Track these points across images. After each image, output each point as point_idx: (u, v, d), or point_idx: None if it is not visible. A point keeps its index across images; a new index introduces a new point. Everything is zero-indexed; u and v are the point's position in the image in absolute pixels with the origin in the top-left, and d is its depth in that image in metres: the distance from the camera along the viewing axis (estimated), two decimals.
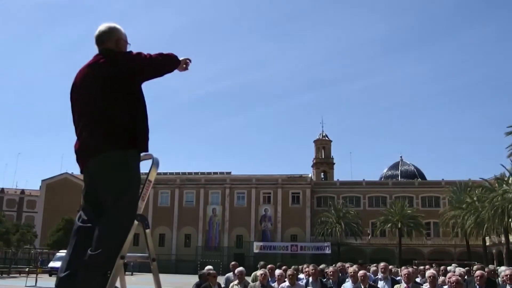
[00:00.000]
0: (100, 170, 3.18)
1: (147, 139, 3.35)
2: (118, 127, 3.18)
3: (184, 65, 3.52)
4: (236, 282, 10.78)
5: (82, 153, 3.30)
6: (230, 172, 79.39)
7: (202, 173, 79.94)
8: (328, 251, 64.66)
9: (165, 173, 79.64)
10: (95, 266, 3.01)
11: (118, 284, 3.16)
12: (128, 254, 3.14)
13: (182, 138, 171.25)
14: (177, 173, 79.90)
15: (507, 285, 9.22)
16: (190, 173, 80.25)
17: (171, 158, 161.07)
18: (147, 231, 3.19)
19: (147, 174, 3.27)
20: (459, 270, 11.53)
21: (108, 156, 3.16)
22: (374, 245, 68.43)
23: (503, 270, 10.09)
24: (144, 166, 3.34)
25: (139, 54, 3.30)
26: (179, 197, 76.87)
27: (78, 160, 3.34)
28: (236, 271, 11.14)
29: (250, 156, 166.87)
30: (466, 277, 10.39)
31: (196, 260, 64.15)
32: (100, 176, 3.19)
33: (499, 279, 10.10)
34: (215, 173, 79.91)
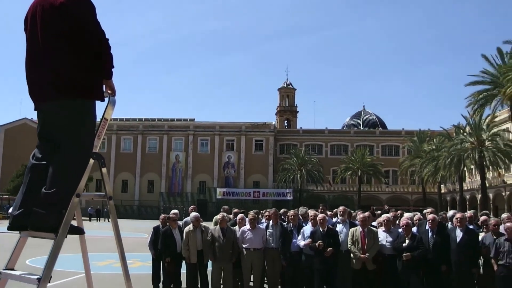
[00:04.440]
0: (56, 112, 3.11)
1: (102, 85, 3.26)
2: (73, 73, 3.08)
3: (110, 90, 3.35)
4: (191, 227, 10.86)
5: (36, 92, 3.21)
6: (194, 119, 78.98)
7: (166, 120, 79.21)
8: (289, 197, 65.89)
9: (128, 119, 78.69)
10: (50, 204, 2.97)
11: (74, 222, 3.15)
12: (84, 193, 3.13)
13: (145, 84, 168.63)
14: (140, 119, 79.06)
15: (457, 228, 9.66)
16: (153, 120, 79.47)
17: (134, 104, 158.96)
18: (103, 170, 3.17)
19: (103, 112, 3.22)
20: (412, 214, 11.93)
21: (65, 101, 3.08)
22: (335, 192, 70.04)
23: (454, 214, 10.54)
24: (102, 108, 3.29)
25: (94, 18, 3.15)
26: (142, 144, 76.30)
27: (31, 96, 3.25)
28: (190, 216, 11.23)
29: (214, 103, 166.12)
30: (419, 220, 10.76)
31: (159, 206, 64.54)
32: (55, 117, 3.12)
33: (449, 223, 10.52)
34: (179, 119, 79.29)
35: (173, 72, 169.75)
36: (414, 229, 10.05)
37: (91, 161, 3.08)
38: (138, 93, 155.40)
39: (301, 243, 10.23)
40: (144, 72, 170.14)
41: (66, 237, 2.99)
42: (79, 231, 3.28)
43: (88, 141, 3.13)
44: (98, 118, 3.28)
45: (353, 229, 10.17)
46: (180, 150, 75.94)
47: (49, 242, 3.02)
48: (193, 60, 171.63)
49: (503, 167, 47.18)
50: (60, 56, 3.08)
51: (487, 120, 46.02)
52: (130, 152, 76.18)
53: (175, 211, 11.41)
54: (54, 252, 2.91)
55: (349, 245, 9.98)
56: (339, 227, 10.47)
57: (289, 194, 67.21)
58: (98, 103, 3.23)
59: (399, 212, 11.63)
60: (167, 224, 11.27)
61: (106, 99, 3.25)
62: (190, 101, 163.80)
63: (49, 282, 2.87)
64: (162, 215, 11.77)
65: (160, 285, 11.27)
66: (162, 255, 11.01)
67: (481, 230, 10.21)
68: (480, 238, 9.71)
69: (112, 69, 3.22)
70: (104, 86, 3.25)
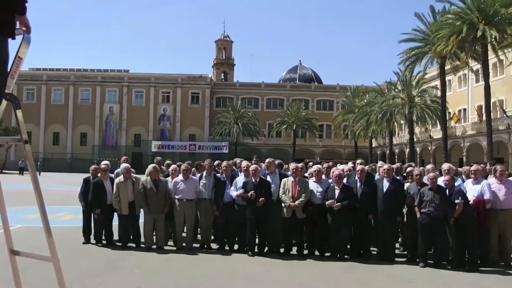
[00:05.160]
0: None
1: (14, 22, 3.02)
2: None
3: (24, 27, 3.06)
4: (121, 178, 10.72)
5: None
6: (128, 70, 76.78)
7: (99, 70, 76.53)
8: (225, 150, 66.18)
9: (58, 69, 75.56)
10: None
11: None
12: None
13: (77, 33, 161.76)
14: (72, 70, 75.99)
15: (384, 178, 10.02)
16: (85, 70, 76.52)
17: (65, 54, 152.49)
18: (18, 112, 2.99)
19: (17, 50, 3.01)
20: (343, 166, 12.26)
21: None
22: (270, 145, 70.91)
23: (381, 165, 10.92)
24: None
25: None
26: (74, 95, 73.57)
27: None
28: (121, 167, 11.07)
29: (150, 54, 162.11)
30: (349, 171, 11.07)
31: (93, 159, 63.01)
32: None
33: (377, 174, 10.90)
34: (113, 70, 76.85)
35: (107, 22, 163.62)
36: (345, 180, 10.35)
37: (4, 102, 2.90)
38: (69, 43, 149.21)
39: (234, 193, 10.32)
40: (76, 21, 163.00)
41: None
42: None
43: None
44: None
45: (285, 179, 10.35)
46: (114, 102, 73.91)
47: None
48: (127, 10, 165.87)
49: (430, 122, 49.15)
50: None
51: (417, 77, 47.44)
52: (61, 103, 73.37)
53: (106, 161, 11.20)
54: None
55: (280, 194, 10.17)
56: (269, 178, 10.61)
57: (225, 147, 67.49)
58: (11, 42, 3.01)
59: (331, 163, 11.89)
60: (98, 175, 11.06)
61: (20, 36, 3.03)
62: (124, 52, 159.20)
63: None
64: (93, 166, 11.53)
65: (91, 237, 11.15)
66: (92, 207, 10.85)
67: (407, 181, 10.62)
68: (405, 188, 10.14)
69: (26, 4, 2.99)
70: (18, 23, 3.02)
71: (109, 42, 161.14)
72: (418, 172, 10.02)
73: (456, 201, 9.09)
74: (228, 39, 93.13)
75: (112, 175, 11.36)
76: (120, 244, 10.83)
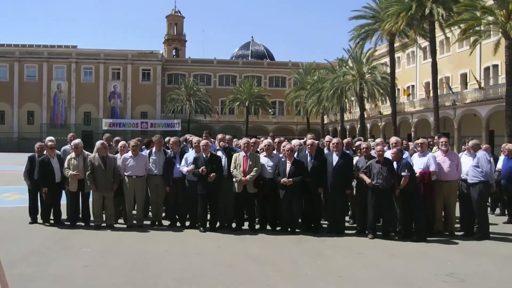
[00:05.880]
0: None
1: None
2: None
3: None
4: (73, 154, 10.48)
5: None
6: (76, 46, 74.51)
7: (45, 46, 73.89)
8: (178, 128, 65.56)
9: (2, 45, 72.55)
10: None
11: None
12: None
13: (21, 6, 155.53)
14: (16, 45, 73.14)
15: (334, 152, 10.14)
16: (31, 46, 73.73)
17: (9, 29, 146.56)
18: None
19: None
20: (295, 141, 12.32)
21: None
22: (223, 122, 70.70)
23: (328, 139, 11.09)
24: None
25: None
26: (19, 71, 70.97)
27: None
28: (72, 143, 10.81)
29: (98, 29, 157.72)
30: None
31: (41, 138, 61.13)
32: None
33: (325, 148, 11.03)
34: (60, 46, 74.39)
35: None
36: (296, 155, 10.40)
37: None
38: (13, 17, 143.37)
39: (184, 169, 10.24)
40: None
41: None
42: None
43: None
44: None
45: (236, 154, 10.33)
46: (62, 79, 71.76)
47: None
48: None
49: (380, 99, 50.08)
50: None
51: (368, 54, 48.05)
52: (6, 80, 70.68)
53: (51, 138, 10.84)
54: None
55: (231, 169, 10.16)
56: (219, 153, 10.57)
57: (177, 125, 66.85)
58: None
59: (282, 137, 11.93)
60: (44, 153, 10.73)
61: None
62: (72, 27, 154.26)
63: None
64: (38, 144, 11.15)
65: (39, 216, 10.87)
66: (39, 186, 10.54)
67: (356, 155, 10.80)
68: (354, 162, 10.30)
69: None
70: None
71: (56, 16, 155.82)
72: (365, 146, 10.20)
73: (402, 173, 9.32)
74: (179, 14, 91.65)
75: (59, 152, 11.05)
76: (68, 223, 10.61)
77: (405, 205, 9.51)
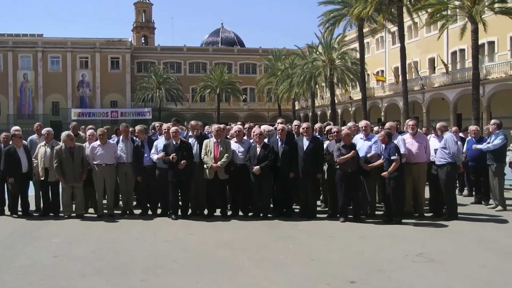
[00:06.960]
0: None
1: None
2: None
3: None
4: (43, 142, 10.31)
5: None
6: (42, 34, 72.77)
7: (10, 35, 71.90)
8: (149, 116, 64.82)
9: None
10: None
11: None
12: None
13: None
14: None
15: (304, 137, 10.17)
16: None
17: None
18: None
19: None
20: (266, 127, 12.31)
21: None
22: (194, 110, 70.19)
23: (297, 124, 11.14)
24: None
25: None
26: None
27: None
28: (43, 131, 10.62)
29: (65, 17, 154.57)
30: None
31: (8, 129, 59.65)
32: None
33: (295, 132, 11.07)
34: (25, 35, 72.51)
35: None
36: (266, 140, 10.40)
37: None
38: None
39: (154, 156, 10.13)
40: None
41: None
42: None
43: None
44: None
45: (206, 140, 10.26)
46: (28, 69, 70.11)
47: None
48: None
49: (350, 84, 50.41)
50: None
51: (337, 40, 48.19)
52: None
53: (17, 127, 10.62)
54: None
55: (202, 155, 10.09)
56: (191, 141, 10.49)
57: (148, 113, 66.08)
58: None
59: (252, 123, 11.90)
60: (10, 143, 10.49)
61: None
62: (37, 16, 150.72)
63: None
64: (3, 134, 10.88)
65: (6, 208, 10.65)
66: (5, 176, 10.31)
67: (327, 138, 10.86)
68: (325, 146, 10.34)
69: None
70: None
71: (21, 4, 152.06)
72: (336, 129, 10.24)
73: (392, 157, 9.31)
74: (147, 1, 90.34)
75: (26, 142, 10.81)
76: (37, 214, 10.42)
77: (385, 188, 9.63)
